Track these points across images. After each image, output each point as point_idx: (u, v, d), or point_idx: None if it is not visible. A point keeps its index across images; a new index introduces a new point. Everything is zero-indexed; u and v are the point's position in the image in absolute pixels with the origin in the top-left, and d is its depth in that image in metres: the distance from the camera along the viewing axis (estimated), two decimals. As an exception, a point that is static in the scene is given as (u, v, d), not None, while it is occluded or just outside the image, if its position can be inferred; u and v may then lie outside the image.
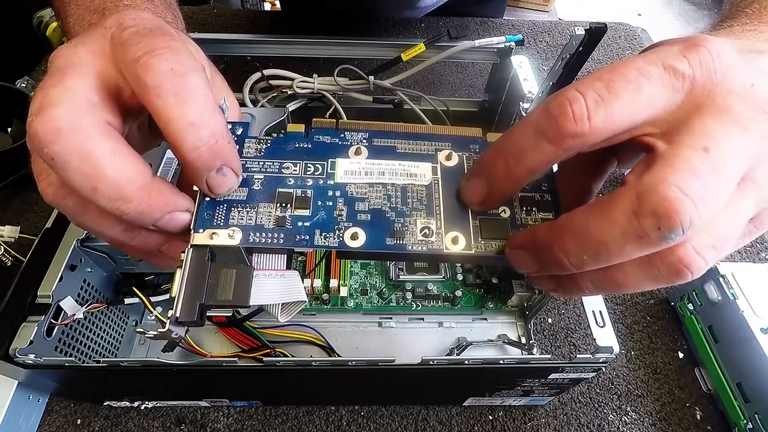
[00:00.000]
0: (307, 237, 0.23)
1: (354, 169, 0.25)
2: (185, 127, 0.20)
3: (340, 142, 0.26)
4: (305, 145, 0.25)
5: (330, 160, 0.25)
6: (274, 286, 0.24)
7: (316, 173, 0.25)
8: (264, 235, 0.23)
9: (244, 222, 0.23)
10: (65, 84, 0.20)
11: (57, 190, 0.22)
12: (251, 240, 0.23)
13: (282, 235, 0.23)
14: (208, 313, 0.39)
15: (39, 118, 0.19)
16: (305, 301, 0.26)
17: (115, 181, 0.20)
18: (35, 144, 0.19)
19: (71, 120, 0.19)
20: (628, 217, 0.18)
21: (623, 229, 0.18)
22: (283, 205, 0.23)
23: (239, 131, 0.26)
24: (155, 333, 0.21)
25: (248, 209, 0.23)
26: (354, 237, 0.23)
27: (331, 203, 0.24)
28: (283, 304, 0.25)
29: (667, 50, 0.19)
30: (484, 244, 0.23)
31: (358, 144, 0.26)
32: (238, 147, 0.25)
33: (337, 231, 0.23)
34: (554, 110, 0.19)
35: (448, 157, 0.26)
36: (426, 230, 0.23)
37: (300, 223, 0.23)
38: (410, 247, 0.23)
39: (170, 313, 0.21)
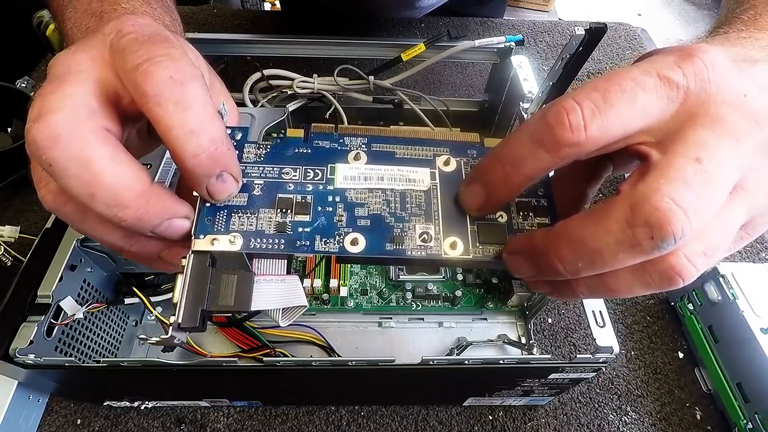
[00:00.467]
0: (308, 243, 0.23)
1: (353, 174, 0.25)
2: (185, 134, 0.20)
3: (339, 147, 0.26)
4: (305, 150, 0.26)
5: (329, 165, 0.25)
6: (275, 291, 0.24)
7: (315, 178, 0.25)
8: (265, 240, 0.23)
9: (245, 227, 0.23)
10: (64, 90, 0.20)
11: (56, 197, 0.22)
12: (252, 246, 0.23)
13: (282, 241, 0.23)
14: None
15: (37, 124, 0.19)
16: (306, 306, 0.26)
17: (113, 188, 0.19)
18: (33, 150, 0.19)
19: (69, 126, 0.19)
20: (622, 227, 0.18)
21: (617, 238, 0.18)
22: (284, 210, 0.24)
23: (238, 136, 0.25)
24: (158, 339, 0.21)
25: (249, 215, 0.23)
26: (354, 242, 0.23)
27: (331, 209, 0.24)
28: (283, 308, 0.25)
29: (662, 60, 0.20)
30: (481, 249, 0.24)
31: (357, 149, 0.26)
32: (237, 152, 0.24)
33: (337, 236, 0.23)
34: (551, 119, 0.19)
35: (447, 163, 0.26)
36: (425, 235, 0.23)
37: (300, 229, 0.23)
38: (409, 252, 0.23)
39: (172, 318, 0.21)
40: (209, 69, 0.26)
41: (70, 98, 0.20)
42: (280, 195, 0.24)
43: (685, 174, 0.18)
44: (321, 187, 0.24)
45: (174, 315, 0.21)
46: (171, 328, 0.21)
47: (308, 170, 0.25)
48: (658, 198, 0.18)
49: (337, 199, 0.24)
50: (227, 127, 0.25)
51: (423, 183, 0.25)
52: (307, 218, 0.23)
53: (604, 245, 0.19)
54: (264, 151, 0.25)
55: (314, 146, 0.26)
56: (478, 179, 0.23)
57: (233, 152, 0.23)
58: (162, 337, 0.21)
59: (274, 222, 0.23)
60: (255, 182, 0.24)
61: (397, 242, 0.23)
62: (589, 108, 0.19)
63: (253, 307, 0.23)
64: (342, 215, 0.24)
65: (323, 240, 0.23)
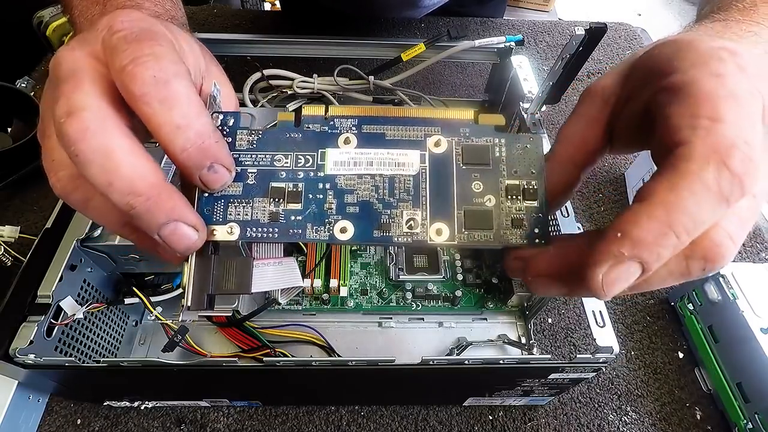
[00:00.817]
0: (300, 231, 0.24)
1: (343, 159, 0.25)
2: (172, 130, 0.21)
3: (329, 131, 0.26)
4: (296, 135, 0.26)
5: (320, 150, 0.25)
6: (274, 273, 0.27)
7: (306, 165, 0.25)
8: (260, 229, 0.24)
9: (241, 217, 0.24)
10: (83, 89, 0.21)
11: (65, 185, 0.23)
12: (248, 235, 0.24)
13: (276, 230, 0.24)
14: (209, 314, 0.39)
15: (69, 120, 0.20)
16: (303, 286, 0.28)
17: (129, 177, 0.21)
18: (65, 143, 0.20)
19: (96, 121, 0.20)
20: (679, 259, 0.18)
21: (670, 269, 0.19)
22: (276, 200, 0.24)
23: (231, 122, 0.26)
24: (175, 323, 0.24)
25: (244, 204, 0.24)
26: (343, 230, 0.24)
27: (321, 196, 0.25)
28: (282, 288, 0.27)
29: (741, 82, 0.19)
30: (467, 235, 0.24)
31: (347, 132, 0.26)
32: (230, 139, 0.25)
33: (327, 225, 0.24)
34: (738, 167, 0.17)
35: (437, 144, 0.26)
36: (411, 222, 0.24)
37: (293, 217, 0.24)
38: (396, 239, 0.24)
39: (183, 302, 0.23)
40: (205, 54, 0.27)
41: (92, 96, 0.21)
42: (273, 184, 0.25)
43: (742, 210, 0.18)
44: (312, 174, 0.25)
45: (183, 298, 0.23)
46: (182, 312, 0.24)
47: (299, 156, 0.25)
48: (718, 233, 0.18)
49: (327, 186, 0.25)
50: (220, 112, 0.26)
51: (412, 167, 0.25)
52: (298, 206, 0.24)
53: (656, 276, 0.19)
54: (256, 138, 0.26)
55: (305, 130, 0.26)
56: (635, 256, 0.18)
57: (222, 144, 0.23)
58: (174, 321, 0.25)
59: (267, 211, 0.24)
60: (248, 171, 0.25)
61: (384, 229, 0.24)
62: (753, 151, 0.17)
63: (254, 290, 0.25)
64: (332, 203, 0.25)
65: (314, 228, 0.24)
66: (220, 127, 0.25)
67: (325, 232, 0.24)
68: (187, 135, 0.21)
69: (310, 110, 0.26)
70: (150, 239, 0.24)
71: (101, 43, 0.22)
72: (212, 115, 0.25)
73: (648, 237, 0.17)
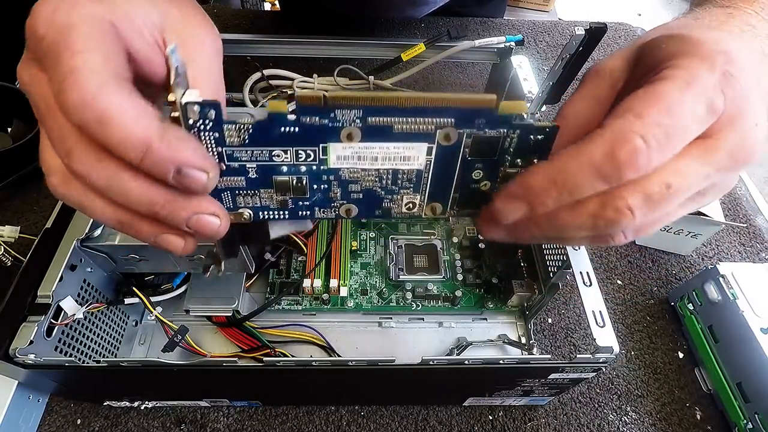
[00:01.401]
0: (308, 213, 0.26)
1: (347, 154, 0.24)
2: (118, 145, 0.19)
3: (330, 124, 0.23)
4: (292, 130, 0.23)
5: (321, 145, 0.23)
6: (285, 221, 0.28)
7: (308, 159, 0.24)
8: (271, 212, 0.26)
9: (251, 204, 0.25)
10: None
11: (60, 183, 0.22)
12: (261, 216, 0.26)
13: (286, 213, 0.26)
14: (208, 314, 0.40)
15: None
16: (311, 227, 0.31)
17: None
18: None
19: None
20: (586, 216, 0.22)
21: (580, 223, 0.22)
22: (282, 192, 0.25)
23: (212, 114, 0.21)
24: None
25: (251, 195, 0.25)
26: (348, 212, 0.26)
27: (325, 186, 0.25)
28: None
29: (706, 81, 0.21)
30: (457, 212, 0.27)
31: (350, 126, 0.23)
32: (217, 134, 0.22)
33: (333, 208, 0.26)
34: (622, 157, 0.20)
35: (447, 138, 0.23)
36: (410, 204, 0.26)
37: (300, 203, 0.26)
38: (394, 216, 0.27)
39: (214, 249, 0.28)
40: (159, 2, 0.26)
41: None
42: (276, 178, 0.24)
43: (652, 193, 0.21)
44: (314, 167, 0.24)
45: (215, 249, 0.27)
46: (211, 270, 0.29)
47: (300, 151, 0.23)
48: (618, 202, 0.21)
49: (332, 177, 0.25)
50: (195, 103, 0.21)
51: (418, 160, 0.24)
52: (305, 197, 0.25)
53: (569, 225, 0.22)
54: (246, 134, 0.22)
55: (302, 123, 0.23)
56: (523, 197, 0.22)
57: (180, 144, 0.20)
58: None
59: (275, 200, 0.25)
60: (247, 166, 0.23)
61: (386, 212, 0.26)
62: (655, 148, 0.20)
63: (273, 236, 0.28)
64: (337, 191, 0.25)
65: (321, 210, 0.26)
66: (201, 121, 0.21)
67: (332, 212, 0.26)
68: (132, 146, 0.19)
69: (306, 99, 0.22)
70: (148, 230, 0.23)
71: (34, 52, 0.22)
72: (182, 97, 0.21)
73: (535, 185, 0.22)
